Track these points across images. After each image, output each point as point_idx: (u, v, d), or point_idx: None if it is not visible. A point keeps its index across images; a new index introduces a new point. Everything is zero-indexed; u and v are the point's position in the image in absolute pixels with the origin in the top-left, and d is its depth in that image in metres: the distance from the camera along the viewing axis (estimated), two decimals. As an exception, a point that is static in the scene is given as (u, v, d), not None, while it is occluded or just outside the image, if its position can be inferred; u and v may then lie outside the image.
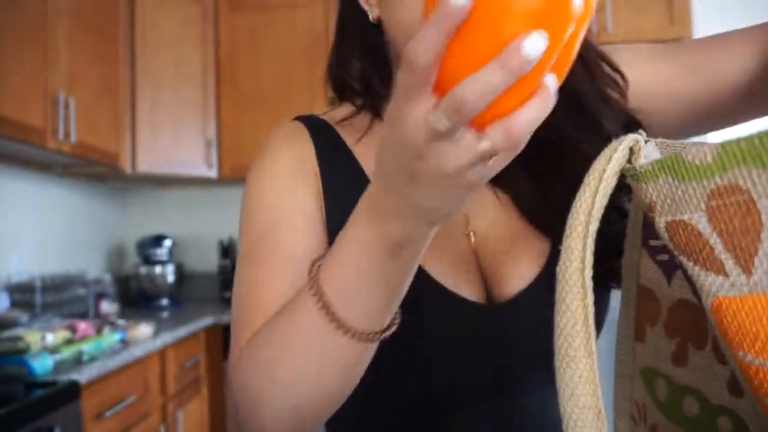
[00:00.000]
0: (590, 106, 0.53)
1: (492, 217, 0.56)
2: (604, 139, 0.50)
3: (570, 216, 0.25)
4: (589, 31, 0.56)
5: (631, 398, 0.35)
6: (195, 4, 2.63)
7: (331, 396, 0.45)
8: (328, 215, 0.55)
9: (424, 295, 0.51)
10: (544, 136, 0.53)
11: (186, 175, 2.64)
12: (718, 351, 0.28)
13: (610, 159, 0.24)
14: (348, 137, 0.60)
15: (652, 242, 0.31)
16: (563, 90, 0.54)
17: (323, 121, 0.61)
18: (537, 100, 0.29)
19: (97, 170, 2.38)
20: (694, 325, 0.30)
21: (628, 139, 0.25)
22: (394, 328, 0.43)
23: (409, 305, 0.47)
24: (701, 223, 0.21)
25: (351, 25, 0.60)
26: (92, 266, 2.59)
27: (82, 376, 1.48)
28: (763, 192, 0.20)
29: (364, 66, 0.60)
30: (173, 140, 2.55)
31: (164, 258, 2.69)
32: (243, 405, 0.46)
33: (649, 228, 0.31)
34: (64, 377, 1.43)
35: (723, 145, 0.21)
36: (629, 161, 0.25)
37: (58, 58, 1.91)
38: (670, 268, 0.30)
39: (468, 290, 0.53)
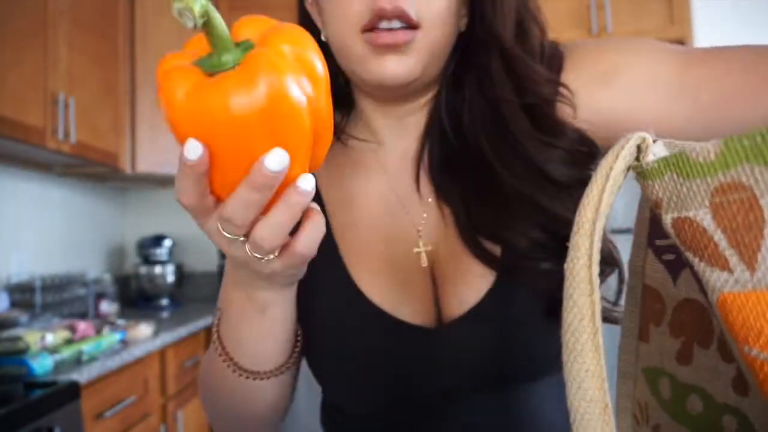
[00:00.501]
0: (521, 136, 0.51)
1: (440, 235, 0.54)
2: (536, 172, 0.49)
3: (578, 213, 0.25)
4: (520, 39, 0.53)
5: (633, 397, 0.35)
6: (195, 5, 2.63)
7: (247, 423, 0.55)
8: None
9: (363, 317, 0.52)
10: (480, 160, 0.52)
11: (186, 175, 2.63)
12: (724, 350, 0.29)
13: (617, 156, 0.25)
14: None
15: (658, 242, 0.31)
16: (496, 121, 0.52)
17: None
18: (309, 225, 0.35)
19: (97, 170, 2.38)
20: (699, 324, 0.30)
21: (636, 137, 0.25)
22: (289, 365, 0.50)
23: (350, 327, 0.53)
24: (706, 219, 0.21)
25: None
26: (92, 266, 2.59)
27: (82, 376, 1.48)
28: (765, 189, 0.21)
29: None
30: (173, 140, 2.54)
31: (164, 258, 2.69)
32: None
33: (654, 228, 0.31)
34: (64, 377, 1.44)
35: (726, 142, 0.21)
36: (637, 159, 0.26)
37: (58, 58, 1.91)
38: (676, 267, 0.31)
39: (410, 310, 0.52)
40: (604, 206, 0.24)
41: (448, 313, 0.52)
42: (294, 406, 2.35)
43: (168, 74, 0.30)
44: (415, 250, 0.54)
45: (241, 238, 0.35)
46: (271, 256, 0.35)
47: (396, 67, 0.49)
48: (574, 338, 0.23)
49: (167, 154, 2.53)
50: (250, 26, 0.32)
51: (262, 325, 0.45)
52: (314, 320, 0.54)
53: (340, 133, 0.60)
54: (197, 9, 0.27)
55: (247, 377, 0.48)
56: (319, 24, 0.56)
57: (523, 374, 0.53)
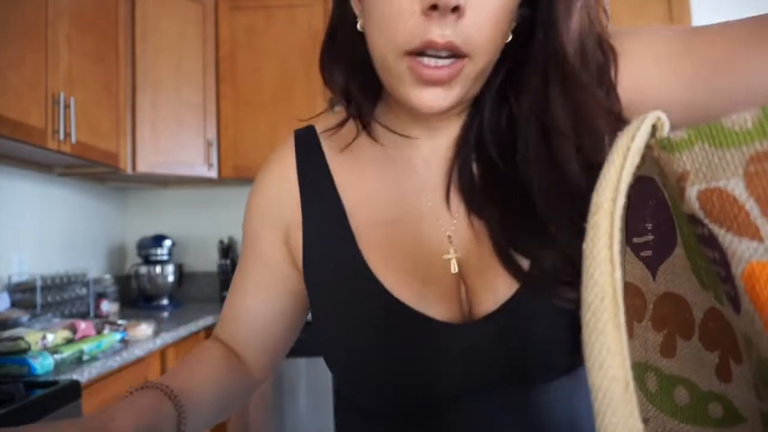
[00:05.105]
0: (570, 173, 0.49)
1: (471, 242, 0.54)
2: (579, 203, 0.45)
3: (595, 193, 0.25)
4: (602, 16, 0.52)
5: None
6: (195, 4, 2.63)
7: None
8: (304, 228, 0.58)
9: (390, 315, 0.51)
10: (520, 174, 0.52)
11: (186, 175, 2.63)
12: (705, 339, 0.30)
13: (633, 136, 0.25)
14: (331, 148, 0.61)
15: (636, 239, 0.32)
16: (544, 148, 0.51)
17: (312, 133, 0.62)
18: None
19: (97, 170, 2.37)
20: (679, 316, 0.31)
21: (652, 116, 0.25)
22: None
23: (373, 323, 0.52)
24: (738, 188, 0.21)
25: (341, 33, 0.56)
26: (92, 266, 2.59)
27: (82, 375, 1.47)
28: (803, 157, 0.21)
29: (347, 78, 0.57)
30: (173, 140, 2.55)
31: (164, 258, 2.69)
32: None
33: (632, 226, 0.32)
34: (64, 377, 1.43)
35: (764, 110, 0.21)
36: (652, 137, 0.25)
37: (58, 58, 1.91)
38: (654, 263, 0.31)
39: (436, 309, 0.51)
40: (624, 185, 0.24)
41: (478, 312, 0.52)
42: (295, 407, 2.36)
43: None
44: (445, 256, 0.53)
45: None
46: None
47: (436, 99, 0.47)
48: (594, 318, 0.23)
49: (167, 154, 2.53)
50: None
51: None
52: (336, 318, 0.53)
53: (367, 121, 0.58)
54: None
55: None
56: (356, 10, 0.53)
57: (533, 376, 0.52)
